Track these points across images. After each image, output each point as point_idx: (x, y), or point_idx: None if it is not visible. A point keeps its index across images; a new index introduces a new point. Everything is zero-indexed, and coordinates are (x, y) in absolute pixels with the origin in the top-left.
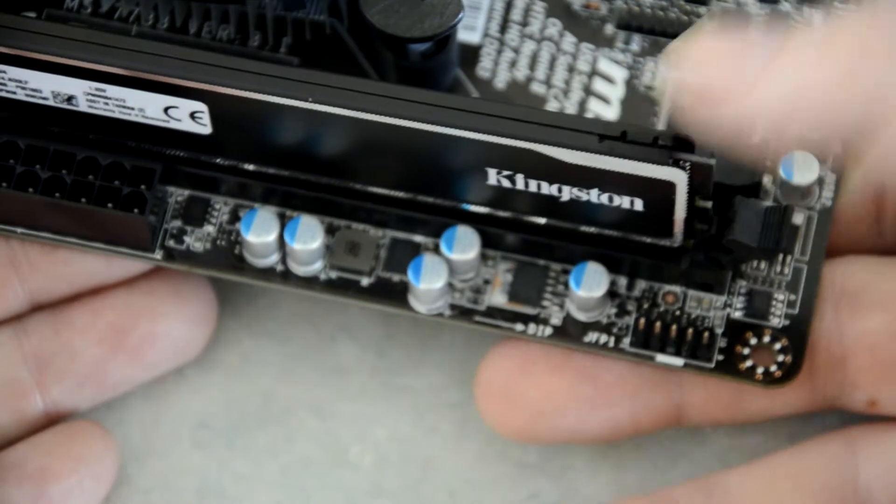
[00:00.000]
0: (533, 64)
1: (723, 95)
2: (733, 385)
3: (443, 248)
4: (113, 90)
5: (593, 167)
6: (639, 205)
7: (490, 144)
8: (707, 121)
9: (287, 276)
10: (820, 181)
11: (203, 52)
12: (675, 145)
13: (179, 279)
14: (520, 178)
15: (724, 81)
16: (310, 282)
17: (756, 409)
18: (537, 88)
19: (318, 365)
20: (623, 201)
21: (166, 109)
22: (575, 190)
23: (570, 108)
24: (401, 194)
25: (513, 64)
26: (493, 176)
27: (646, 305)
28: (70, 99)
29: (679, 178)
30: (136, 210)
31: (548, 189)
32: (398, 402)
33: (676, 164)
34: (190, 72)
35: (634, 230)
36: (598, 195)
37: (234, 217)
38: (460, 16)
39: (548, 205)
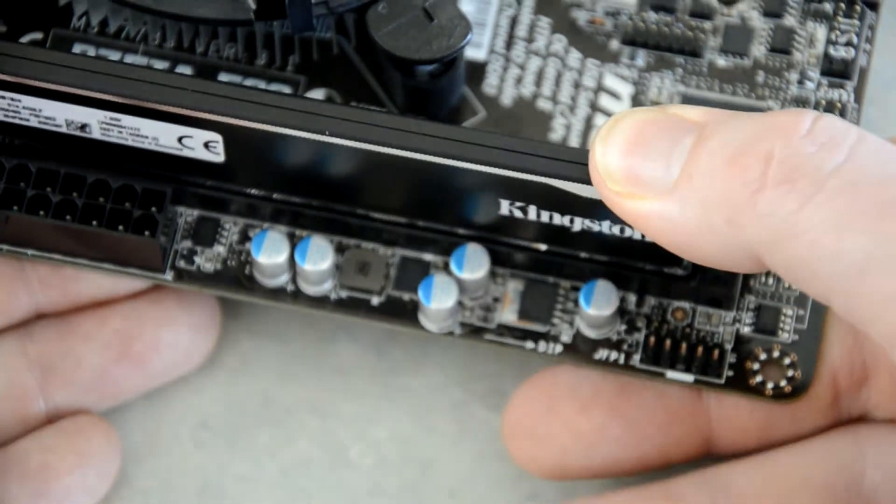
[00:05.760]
0: (539, 80)
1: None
2: (762, 414)
3: (453, 267)
4: (128, 120)
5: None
6: None
7: (504, 178)
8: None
9: (297, 296)
10: None
11: (218, 84)
12: None
13: (190, 297)
14: (532, 210)
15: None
16: (320, 301)
17: (783, 434)
18: (543, 105)
19: (318, 365)
20: (634, 232)
21: (180, 139)
22: (587, 221)
23: (577, 124)
24: (412, 221)
25: (519, 80)
26: (505, 207)
27: (655, 322)
28: (84, 127)
29: None
30: (147, 232)
31: (560, 220)
32: (398, 403)
33: None
34: (206, 104)
35: (644, 258)
36: (610, 226)
37: (244, 237)
38: (468, 37)
39: (558, 234)
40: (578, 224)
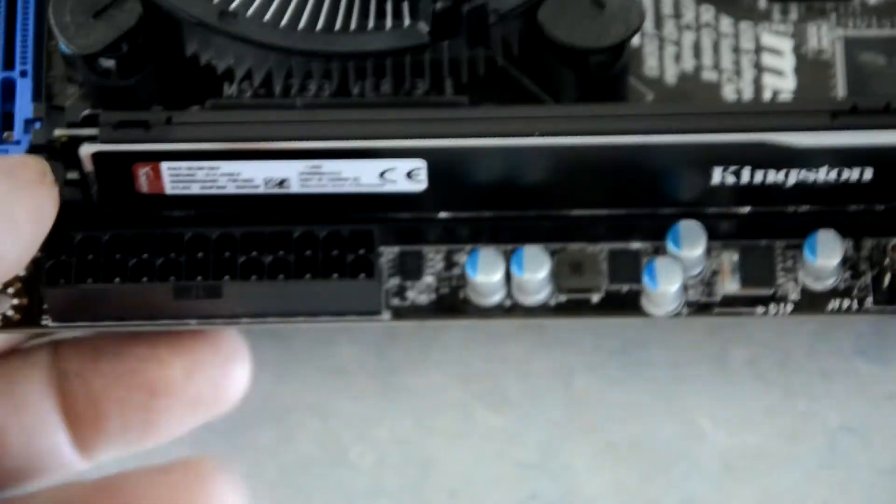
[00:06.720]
0: (697, 52)
1: None
2: None
3: (670, 247)
4: (328, 165)
5: (825, 146)
6: (868, 174)
7: (718, 143)
8: None
9: (514, 309)
10: None
11: (415, 109)
12: None
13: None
14: (746, 172)
15: None
16: (539, 310)
17: None
18: (708, 75)
19: (318, 365)
20: (852, 174)
21: (382, 173)
22: (803, 172)
23: (746, 88)
24: (612, 212)
25: (678, 57)
26: (717, 174)
27: (878, 261)
28: (282, 182)
29: None
30: (362, 275)
31: (774, 177)
32: (398, 402)
33: None
34: (409, 130)
35: (854, 200)
36: (828, 172)
37: (450, 263)
38: (644, 17)
39: (763, 193)
40: (793, 177)
